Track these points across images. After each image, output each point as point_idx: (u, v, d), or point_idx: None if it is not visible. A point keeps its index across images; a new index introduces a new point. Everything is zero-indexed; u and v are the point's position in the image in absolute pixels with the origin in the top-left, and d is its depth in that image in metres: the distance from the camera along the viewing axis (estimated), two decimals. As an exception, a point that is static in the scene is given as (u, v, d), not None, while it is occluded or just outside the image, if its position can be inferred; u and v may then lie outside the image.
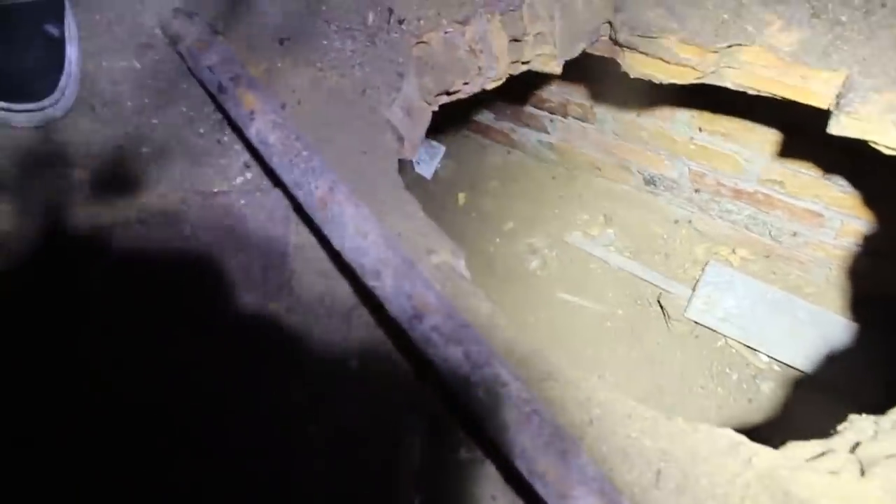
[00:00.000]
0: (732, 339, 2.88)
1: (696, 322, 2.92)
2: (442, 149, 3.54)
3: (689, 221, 3.04)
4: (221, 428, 1.18)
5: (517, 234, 3.31)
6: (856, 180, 2.26)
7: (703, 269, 2.97)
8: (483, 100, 3.04)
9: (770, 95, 1.68)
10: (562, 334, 3.13)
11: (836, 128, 1.52)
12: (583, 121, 2.82)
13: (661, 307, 3.01)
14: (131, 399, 1.19)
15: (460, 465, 1.13)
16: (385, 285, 1.03)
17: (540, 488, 0.87)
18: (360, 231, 1.09)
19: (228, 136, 1.45)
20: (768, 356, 2.83)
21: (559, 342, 3.11)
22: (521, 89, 2.83)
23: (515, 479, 0.91)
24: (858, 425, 1.19)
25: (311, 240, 1.35)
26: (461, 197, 3.43)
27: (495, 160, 3.42)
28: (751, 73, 1.65)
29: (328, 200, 1.14)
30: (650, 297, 3.07)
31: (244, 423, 1.19)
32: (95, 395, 1.19)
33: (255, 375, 1.22)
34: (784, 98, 1.66)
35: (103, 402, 1.18)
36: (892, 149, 1.48)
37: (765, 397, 2.84)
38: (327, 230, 1.14)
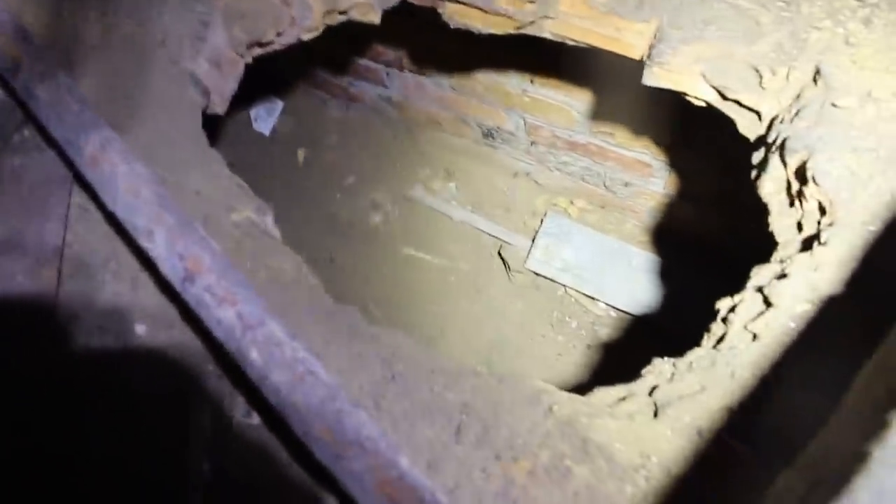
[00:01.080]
0: (571, 289, 2.94)
1: (536, 273, 2.95)
2: (280, 104, 3.41)
3: (528, 174, 3.06)
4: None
5: (359, 189, 3.24)
6: (678, 132, 2.32)
7: (542, 221, 3.00)
8: (318, 53, 2.93)
9: (587, 46, 1.68)
10: (405, 289, 3.11)
11: (650, 79, 1.52)
12: (419, 74, 2.77)
13: (503, 259, 3.03)
14: None
15: (249, 429, 1.07)
16: (157, 245, 0.95)
17: (317, 451, 0.83)
18: (132, 190, 1.00)
19: (1, 92, 1.31)
20: (606, 304, 2.90)
21: (403, 298, 3.09)
22: (354, 43, 2.75)
23: (297, 441, 0.86)
24: (659, 368, 1.21)
25: (95, 201, 1.24)
26: (301, 153, 3.33)
27: (335, 115, 3.33)
28: (567, 23, 1.64)
29: (99, 158, 1.04)
30: (492, 249, 3.09)
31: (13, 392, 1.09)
32: None
33: (30, 344, 1.12)
34: (601, 48, 1.66)
35: None
36: (701, 100, 1.50)
37: (603, 343, 2.93)
38: (99, 189, 1.04)
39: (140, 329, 1.14)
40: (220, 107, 1.61)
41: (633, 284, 2.85)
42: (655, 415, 1.09)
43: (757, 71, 1.38)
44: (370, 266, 3.15)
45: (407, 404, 1.10)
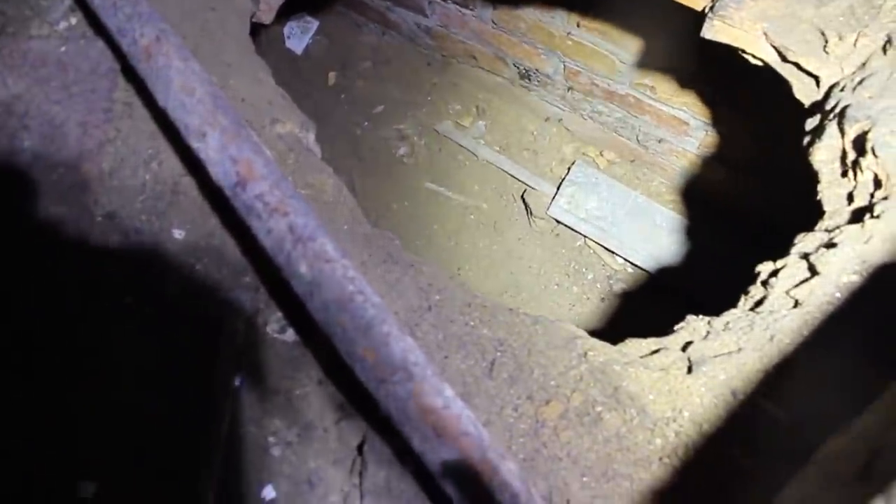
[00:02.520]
0: (591, 240, 2.92)
1: (557, 220, 2.93)
2: (315, 23, 3.34)
3: (560, 120, 3.01)
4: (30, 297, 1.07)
5: (387, 118, 3.20)
6: (723, 92, 2.27)
7: (568, 169, 2.97)
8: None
9: (648, -10, 1.63)
10: (425, 224, 3.09)
11: (709, 32, 1.48)
12: (462, 5, 2.70)
13: (525, 203, 3.00)
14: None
15: (283, 345, 1.07)
16: (209, 147, 0.93)
17: (360, 371, 0.82)
18: (187, 88, 0.97)
19: (51, -28, 1.28)
20: (624, 258, 2.89)
21: (421, 232, 3.07)
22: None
23: (337, 362, 0.86)
24: (693, 325, 1.20)
25: (141, 96, 1.21)
26: (331, 76, 3.27)
27: (370, 40, 3.26)
28: (632, -36, 1.60)
29: (153, 51, 1.01)
30: (515, 192, 3.06)
31: (51, 293, 1.08)
32: None
33: (65, 241, 1.10)
34: (662, -5, 1.61)
35: None
36: (759, 59, 1.46)
37: (617, 298, 2.92)
38: (151, 84, 1.02)
39: (178, 234, 1.13)
40: (267, 16, 1.58)
41: (654, 242, 2.83)
42: (689, 370, 1.08)
43: (823, 34, 1.34)
44: (391, 196, 3.12)
45: (442, 335, 1.10)
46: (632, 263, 2.88)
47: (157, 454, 1.01)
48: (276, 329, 1.07)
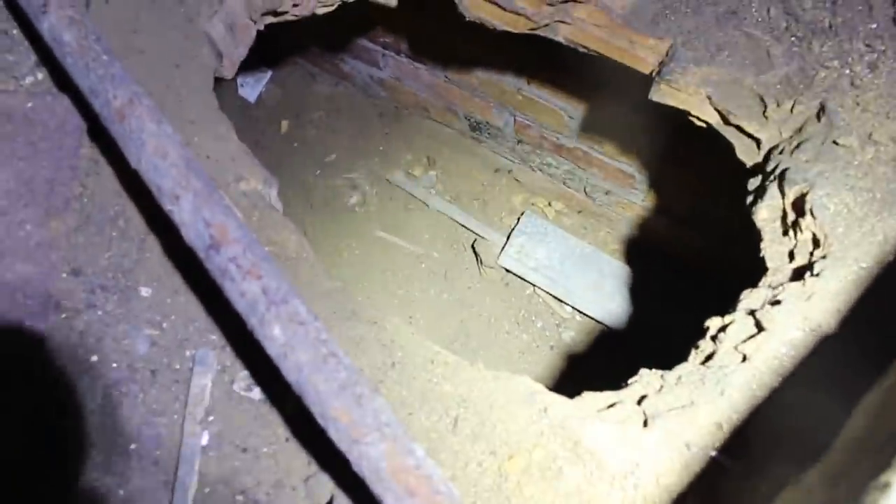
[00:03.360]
0: (540, 289, 2.97)
1: (507, 270, 2.99)
2: (268, 73, 3.38)
3: (510, 171, 3.08)
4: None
5: (339, 167, 3.23)
6: (668, 149, 2.36)
7: (518, 219, 3.03)
8: (315, 26, 2.91)
9: (598, 54, 1.70)
10: (376, 272, 3.12)
11: (656, 95, 1.55)
12: (415, 60, 2.77)
13: (476, 252, 3.05)
14: None
15: (250, 402, 1.08)
16: (182, 210, 0.95)
17: (333, 433, 0.84)
18: (160, 150, 0.99)
19: (18, 31, 1.29)
20: (573, 307, 2.95)
21: (373, 280, 3.09)
22: (355, 21, 2.73)
23: (310, 422, 0.87)
24: (647, 379, 1.24)
25: (108, 155, 1.23)
26: (284, 124, 3.30)
27: (323, 90, 3.31)
28: (582, 30, 1.66)
29: (126, 113, 1.03)
30: (465, 242, 3.11)
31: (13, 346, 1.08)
32: None
33: (32, 297, 1.10)
34: (611, 59, 1.68)
35: None
36: (703, 121, 1.54)
37: (566, 346, 2.97)
38: (124, 146, 1.03)
39: (145, 291, 1.14)
40: (229, 71, 1.60)
41: (602, 291, 2.90)
42: (645, 424, 1.12)
43: (762, 100, 1.41)
44: (343, 244, 3.14)
45: (406, 392, 1.12)
46: (580, 311, 2.94)
47: (124, 514, 1.01)
48: (244, 387, 1.09)
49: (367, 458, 0.81)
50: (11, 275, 1.11)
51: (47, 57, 1.25)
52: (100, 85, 1.07)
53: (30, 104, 1.22)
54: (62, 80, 1.24)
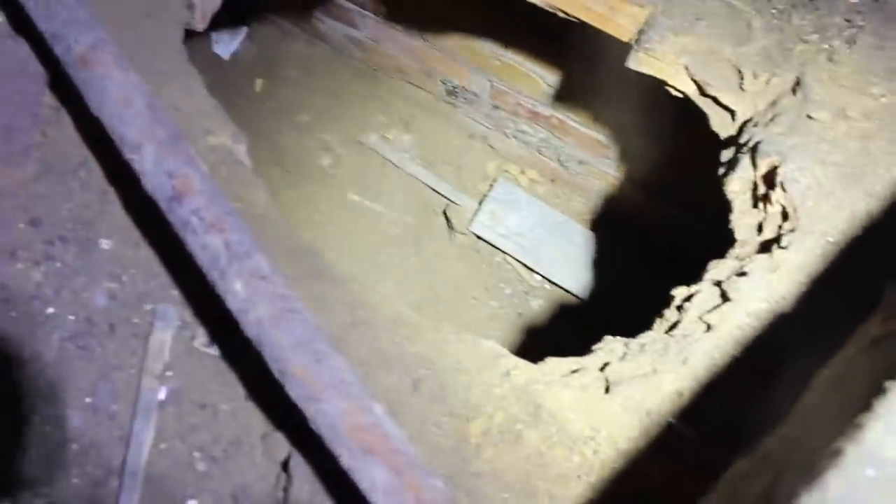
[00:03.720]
0: (510, 256, 2.97)
1: (478, 236, 2.98)
2: (244, 30, 3.31)
3: (485, 137, 3.06)
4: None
5: (312, 128, 3.19)
6: (642, 119, 2.35)
7: (491, 186, 3.02)
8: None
9: (577, 20, 1.68)
10: (346, 235, 3.09)
11: (633, 63, 1.54)
12: (394, 21, 2.73)
13: (447, 218, 3.04)
14: None
15: (212, 360, 1.07)
16: (144, 160, 0.92)
17: (290, 389, 0.83)
18: (124, 99, 0.96)
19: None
20: (542, 276, 2.95)
21: (344, 243, 3.07)
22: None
23: (268, 379, 0.86)
24: (610, 346, 1.24)
25: (70, 104, 1.19)
26: (258, 83, 3.25)
27: (299, 49, 3.25)
28: (563, -6, 1.64)
29: (90, 59, 1.00)
30: (437, 207, 3.09)
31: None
32: None
33: (-13, 245, 1.08)
34: (590, 25, 1.66)
35: None
36: (680, 91, 1.53)
37: (533, 313, 2.98)
38: (86, 93, 1.00)
39: (105, 244, 1.12)
40: (200, 24, 1.56)
41: (571, 260, 2.90)
42: (607, 390, 1.13)
43: (739, 72, 1.41)
44: (314, 207, 3.11)
45: (366, 351, 1.11)
46: (549, 280, 2.95)
47: (78, 468, 0.99)
48: (204, 343, 1.07)
49: (325, 414, 0.81)
50: (-33, 222, 1.08)
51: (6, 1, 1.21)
52: (63, 29, 1.03)
53: (-12, 48, 1.18)
54: (23, 24, 1.20)
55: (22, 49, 1.19)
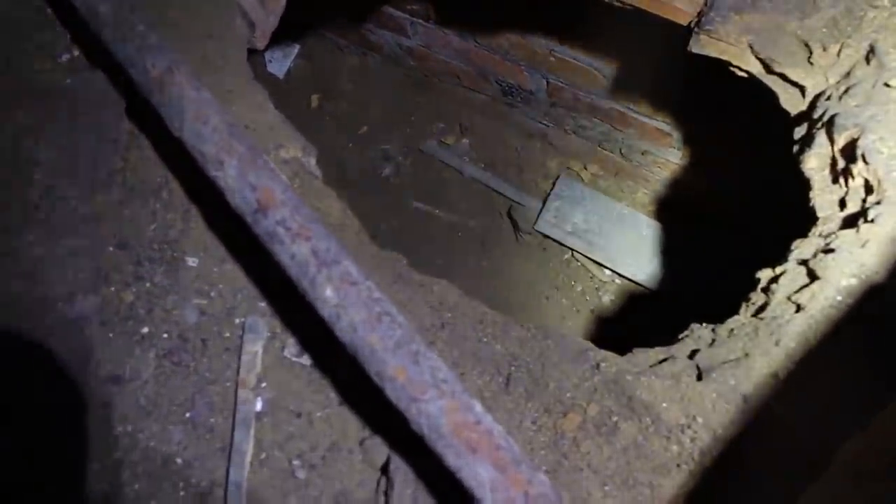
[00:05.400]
0: (578, 253, 2.95)
1: (544, 235, 2.96)
2: (296, 48, 3.36)
3: (544, 135, 3.05)
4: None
5: (371, 139, 3.22)
6: (705, 103, 2.31)
7: (553, 183, 3.00)
8: (341, -3, 2.89)
9: (633, 8, 1.67)
10: (412, 242, 3.11)
11: (696, 46, 1.52)
12: (444, 26, 2.73)
13: (512, 219, 3.03)
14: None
15: (301, 368, 1.08)
16: (227, 175, 0.94)
17: (390, 391, 0.83)
18: (201, 117, 0.98)
19: (51, 9, 1.28)
20: (612, 270, 2.92)
21: (410, 250, 3.07)
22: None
23: (363, 384, 0.87)
24: (698, 333, 1.22)
25: (147, 128, 1.22)
26: (314, 99, 3.29)
27: (352, 62, 3.28)
28: (619, -17, 1.63)
29: (165, 81, 1.03)
30: (501, 208, 3.09)
31: (69, 324, 1.09)
32: None
33: (82, 270, 1.11)
34: (646, 12, 1.65)
35: None
36: (745, 71, 1.50)
37: (606, 309, 2.95)
38: (164, 114, 1.03)
39: (191, 261, 1.14)
40: (261, 42, 1.59)
41: (641, 253, 2.86)
42: (699, 377, 1.11)
43: (807, 45, 1.37)
44: (379, 217, 3.14)
45: (457, 353, 1.11)
46: (619, 274, 2.92)
47: (183, 481, 1.01)
48: (295, 353, 1.09)
49: (427, 415, 0.81)
50: (61, 250, 1.12)
51: (83, 33, 1.24)
52: (137, 55, 1.06)
53: (68, 81, 1.22)
54: (98, 56, 1.24)
55: (98, 80, 1.23)
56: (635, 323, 2.84)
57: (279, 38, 3.36)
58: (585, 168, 3.04)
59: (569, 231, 2.91)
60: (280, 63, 3.33)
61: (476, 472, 0.78)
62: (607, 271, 2.95)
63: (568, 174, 3.03)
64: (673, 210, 2.94)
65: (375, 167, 3.19)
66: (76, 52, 1.27)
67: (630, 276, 2.87)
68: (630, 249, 2.87)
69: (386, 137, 3.22)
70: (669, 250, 2.88)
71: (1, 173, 1.14)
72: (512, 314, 2.84)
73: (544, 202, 2.98)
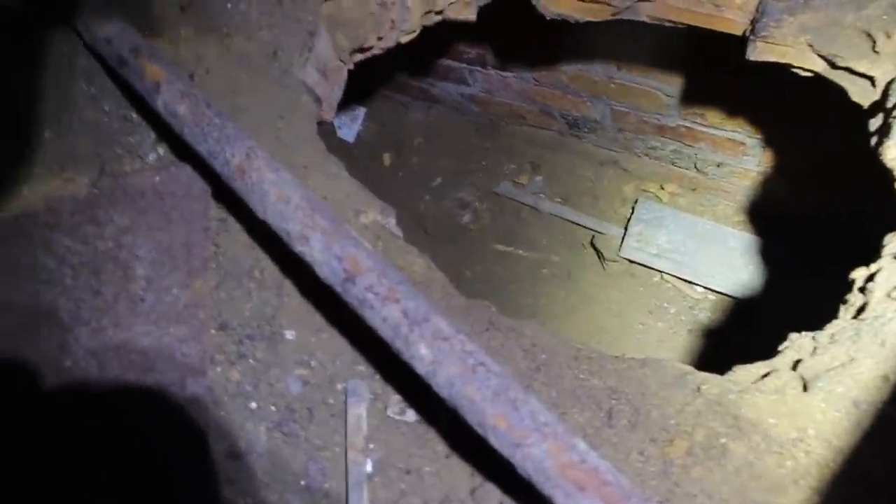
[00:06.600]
0: (667, 274, 2.91)
1: (630, 260, 2.94)
2: (362, 111, 3.46)
3: (615, 161, 3.05)
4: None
5: (446, 189, 3.27)
6: (773, 107, 2.29)
7: (632, 208, 2.99)
8: (400, 56, 2.98)
9: (684, 26, 1.67)
10: (499, 285, 3.13)
11: (753, 54, 1.51)
12: (502, 70, 2.78)
13: (595, 249, 3.02)
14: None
15: (405, 425, 1.11)
16: (313, 249, 0.99)
17: (493, 440, 0.85)
18: (283, 197, 1.04)
19: (136, 113, 1.37)
20: (703, 287, 2.88)
21: (497, 293, 3.11)
22: (436, 43, 2.78)
23: (467, 434, 0.89)
24: (798, 343, 1.20)
25: (234, 212, 1.29)
26: (386, 157, 3.38)
27: (417, 117, 3.36)
28: (665, 4, 1.64)
29: (245, 168, 1.09)
30: (583, 240, 3.08)
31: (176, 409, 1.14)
32: None
33: (192, 350, 1.17)
34: (699, 27, 1.65)
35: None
36: (809, 70, 1.49)
37: (704, 326, 2.90)
38: (248, 199, 1.08)
39: (289, 335, 1.19)
40: (329, 114, 1.66)
41: (730, 266, 2.81)
42: (805, 388, 1.09)
43: (869, 35, 1.35)
44: (462, 264, 3.17)
45: (555, 393, 1.12)
46: (712, 290, 2.87)
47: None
48: (397, 411, 1.12)
49: (532, 459, 0.82)
50: (168, 338, 1.18)
51: (166, 132, 1.33)
52: (217, 147, 1.12)
53: (157, 178, 1.30)
54: (182, 151, 1.32)
55: (184, 172, 1.30)
56: (735, 337, 2.78)
57: (345, 103, 3.48)
58: (662, 188, 3.02)
59: (654, 253, 2.89)
60: (349, 128, 3.43)
61: (588, 511, 0.78)
62: (699, 288, 2.90)
63: (646, 196, 3.01)
64: (758, 218, 2.89)
65: (453, 216, 3.24)
66: (161, 151, 1.35)
67: (722, 290, 2.82)
68: (718, 263, 2.82)
69: (460, 185, 3.27)
70: (760, 260, 2.82)
71: (107, 272, 1.22)
72: (607, 345, 2.84)
73: (626, 228, 2.96)
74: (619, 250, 2.94)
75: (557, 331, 2.97)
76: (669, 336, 2.91)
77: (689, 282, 2.89)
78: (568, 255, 3.11)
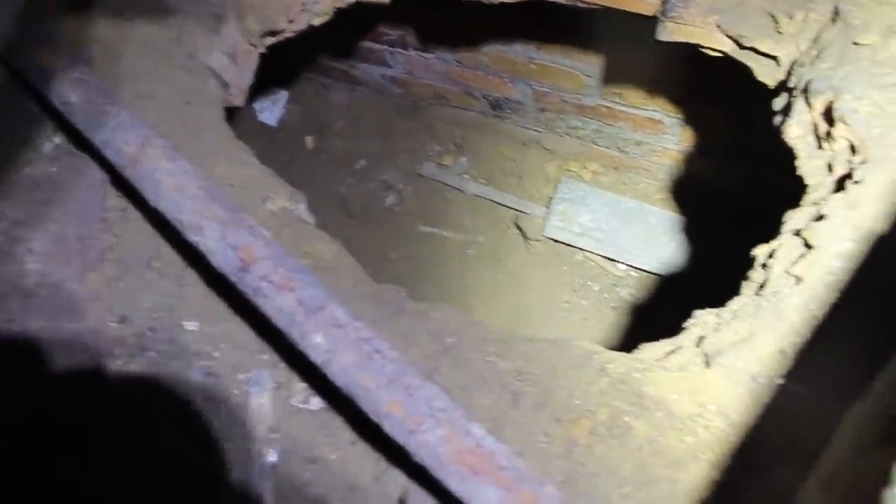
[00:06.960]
0: (590, 252, 2.94)
1: (554, 240, 2.96)
2: (284, 94, 3.40)
3: (538, 142, 3.05)
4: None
5: (369, 171, 3.25)
6: (690, 86, 2.31)
7: (555, 187, 3.00)
8: (318, 39, 2.93)
9: (598, 7, 1.68)
10: (425, 267, 3.12)
11: (663, 34, 1.52)
12: (423, 51, 2.76)
13: (520, 229, 3.03)
14: None
15: (312, 414, 1.09)
16: (207, 239, 0.96)
17: (388, 427, 0.84)
18: (176, 186, 1.01)
19: (32, 103, 1.31)
20: (626, 264, 2.91)
21: (424, 275, 3.10)
22: (355, 26, 2.74)
23: (365, 420, 0.88)
24: (702, 319, 1.22)
25: (134, 200, 1.25)
26: (309, 140, 3.33)
27: (340, 100, 3.32)
28: (579, -17, 1.64)
29: (139, 157, 1.05)
30: (508, 220, 3.09)
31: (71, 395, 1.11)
32: None
33: (83, 350, 1.13)
34: (612, 8, 1.66)
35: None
36: (717, 51, 1.50)
37: (627, 303, 2.94)
38: (141, 188, 1.05)
39: (191, 326, 1.16)
40: (238, 99, 1.62)
41: (653, 243, 2.85)
42: (707, 364, 1.10)
43: (773, 16, 1.37)
44: (388, 246, 3.15)
45: (461, 375, 1.12)
46: (634, 267, 2.91)
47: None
48: (301, 400, 1.10)
49: (426, 445, 0.82)
50: (65, 333, 1.14)
51: (61, 121, 1.27)
52: (111, 135, 1.08)
53: (53, 169, 1.25)
54: (78, 140, 1.27)
55: (82, 162, 1.25)
56: (660, 313, 2.82)
57: (267, 86, 3.41)
58: (585, 167, 3.04)
59: (577, 232, 2.91)
60: (271, 111, 3.37)
61: (483, 496, 0.78)
62: (621, 266, 2.94)
63: (569, 176, 3.03)
64: (679, 196, 2.93)
65: (378, 198, 3.21)
66: (58, 140, 1.30)
67: (645, 268, 2.86)
68: (640, 241, 2.86)
69: (384, 167, 3.24)
70: (683, 237, 2.87)
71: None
72: (533, 324, 2.85)
73: (549, 207, 2.98)
74: (543, 230, 2.95)
75: (484, 312, 2.99)
76: (594, 314, 2.94)
77: (612, 259, 2.92)
78: (493, 235, 3.12)
